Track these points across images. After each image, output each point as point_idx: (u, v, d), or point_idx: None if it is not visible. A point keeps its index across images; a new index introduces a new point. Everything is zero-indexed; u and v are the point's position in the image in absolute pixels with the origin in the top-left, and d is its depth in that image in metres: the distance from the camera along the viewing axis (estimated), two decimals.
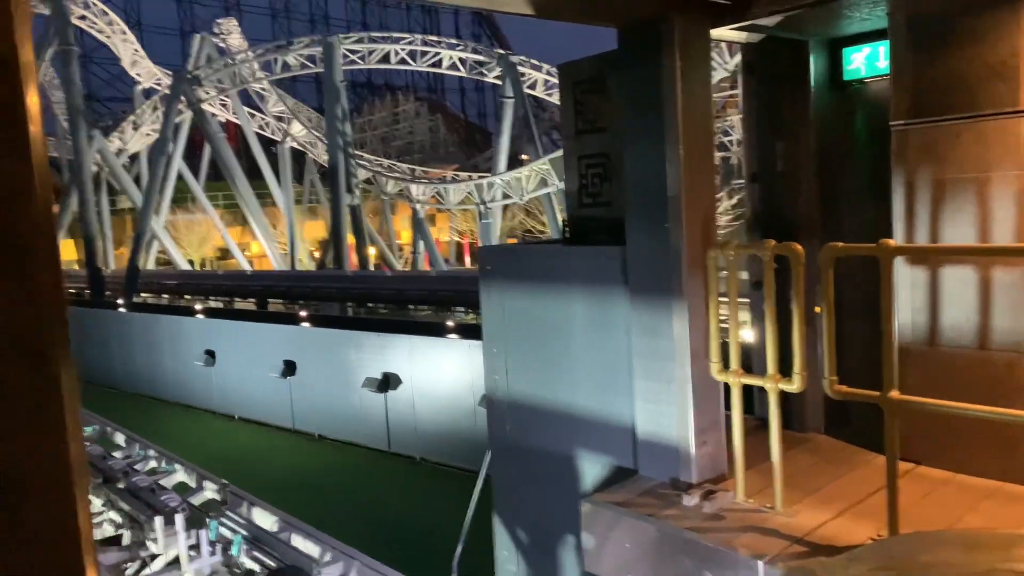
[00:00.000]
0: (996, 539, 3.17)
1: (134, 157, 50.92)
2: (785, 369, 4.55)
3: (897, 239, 5.03)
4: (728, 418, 5.02)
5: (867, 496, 4.77)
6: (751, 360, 6.18)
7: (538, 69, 42.35)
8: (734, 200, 30.84)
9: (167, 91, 41.99)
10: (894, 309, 4.07)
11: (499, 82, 40.97)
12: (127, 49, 50.59)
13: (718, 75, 27.74)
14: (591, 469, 5.70)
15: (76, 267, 50.10)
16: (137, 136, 47.22)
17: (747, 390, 4.86)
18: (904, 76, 4.99)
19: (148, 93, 50.77)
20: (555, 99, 40.62)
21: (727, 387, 4.92)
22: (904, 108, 5.00)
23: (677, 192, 4.85)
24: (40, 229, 1.02)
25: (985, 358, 4.80)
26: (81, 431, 1.05)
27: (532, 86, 42.33)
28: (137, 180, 48.13)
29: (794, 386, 4.44)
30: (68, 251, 55.57)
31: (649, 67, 4.93)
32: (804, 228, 5.89)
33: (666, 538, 4.54)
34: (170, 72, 47.23)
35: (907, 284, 5.08)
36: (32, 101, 1.04)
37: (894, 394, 3.89)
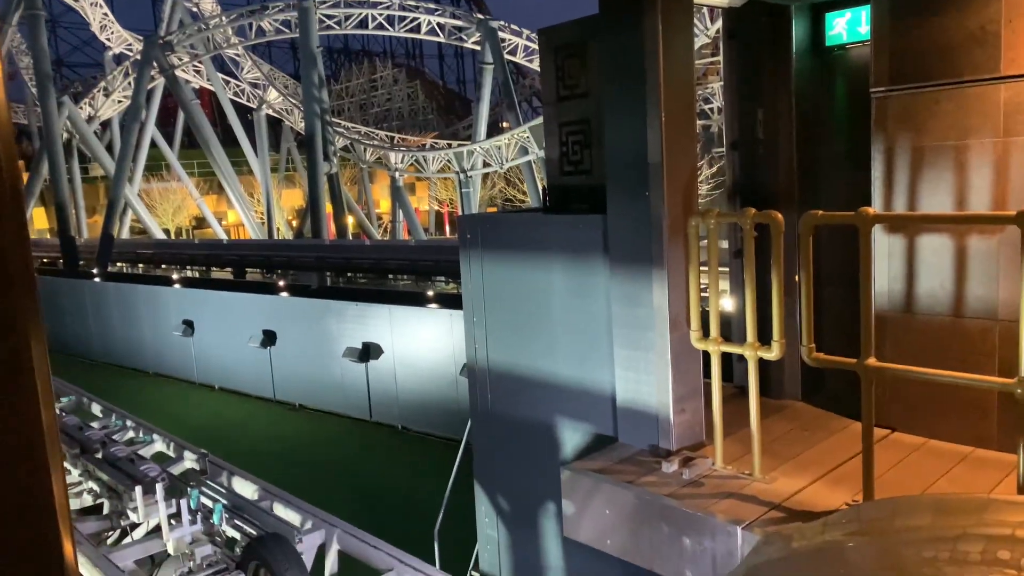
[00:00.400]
0: (967, 503, 3.23)
1: (106, 124, 49.89)
2: (764, 337, 4.58)
3: (876, 207, 5.05)
4: (707, 386, 5.07)
5: (843, 462, 4.85)
6: (729, 328, 6.23)
7: (518, 35, 41.87)
8: (714, 169, 30.88)
9: (138, 57, 41.05)
10: (872, 277, 4.11)
11: (478, 48, 40.47)
12: (96, 13, 49.29)
13: (699, 42, 27.62)
14: (571, 437, 5.74)
15: (48, 236, 49.30)
16: (108, 103, 46.22)
17: (725, 358, 4.89)
18: (884, 42, 4.98)
19: (119, 59, 49.62)
20: (535, 65, 40.23)
21: (706, 355, 4.96)
22: (884, 74, 4.99)
23: (658, 159, 4.83)
24: (6, 197, 0.99)
25: (959, 325, 4.86)
26: (52, 399, 1.03)
27: (512, 52, 41.88)
28: (109, 148, 47.23)
29: (773, 354, 4.47)
30: (40, 219, 54.61)
31: (631, 32, 4.88)
32: (784, 196, 5.90)
33: (645, 505, 4.59)
34: (141, 37, 46.13)
35: (884, 252, 5.12)
36: None
37: (871, 361, 3.94)
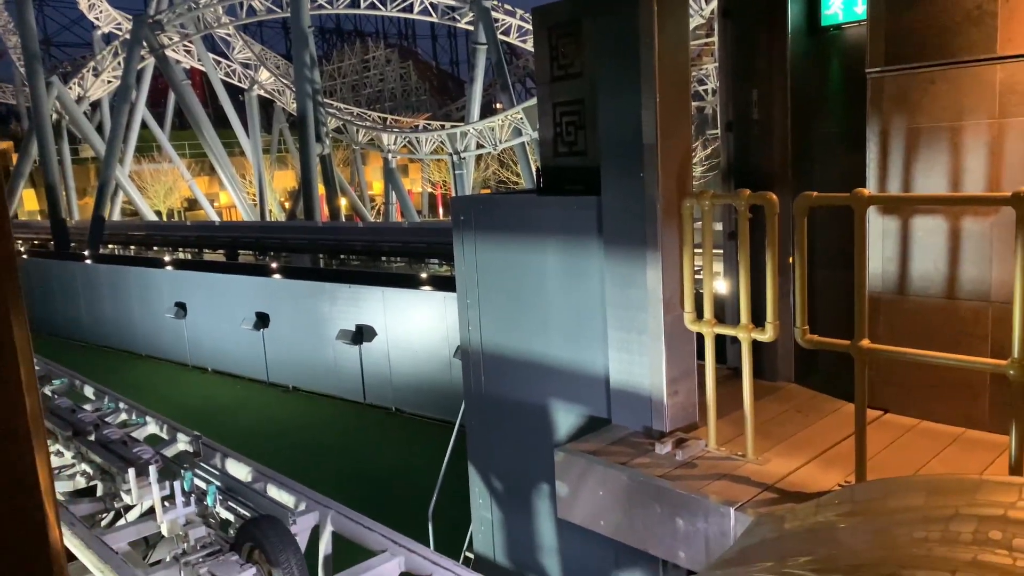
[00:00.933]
0: (959, 484, 3.25)
1: (95, 105, 49.45)
2: (757, 319, 4.58)
3: (871, 188, 5.04)
4: (700, 368, 5.07)
5: (836, 443, 4.87)
6: (723, 310, 6.23)
7: (512, 14, 41.59)
8: (708, 151, 30.82)
9: (127, 36, 40.60)
10: (866, 259, 4.10)
11: (472, 28, 40.17)
12: None
13: (694, 22, 27.48)
14: (565, 419, 5.74)
15: (39, 218, 48.97)
16: (98, 83, 45.78)
17: (719, 340, 4.89)
18: (881, 22, 4.94)
19: (108, 38, 49.09)
20: (529, 46, 39.99)
21: (699, 337, 4.96)
22: (880, 55, 4.96)
23: (653, 140, 4.80)
24: None
25: (953, 307, 4.87)
26: (35, 383, 1.00)
27: (506, 32, 41.62)
28: (99, 129, 46.81)
29: (767, 336, 4.47)
30: (30, 201, 54.20)
31: (626, 10, 4.83)
32: (778, 177, 5.88)
33: (638, 486, 4.61)
34: (130, 16, 45.60)
35: (879, 234, 5.12)
36: None
37: (864, 343, 3.94)
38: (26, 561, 1.00)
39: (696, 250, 4.93)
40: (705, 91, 36.74)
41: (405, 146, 40.73)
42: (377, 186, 56.60)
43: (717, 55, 6.49)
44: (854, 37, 5.74)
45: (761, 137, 5.99)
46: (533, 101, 32.16)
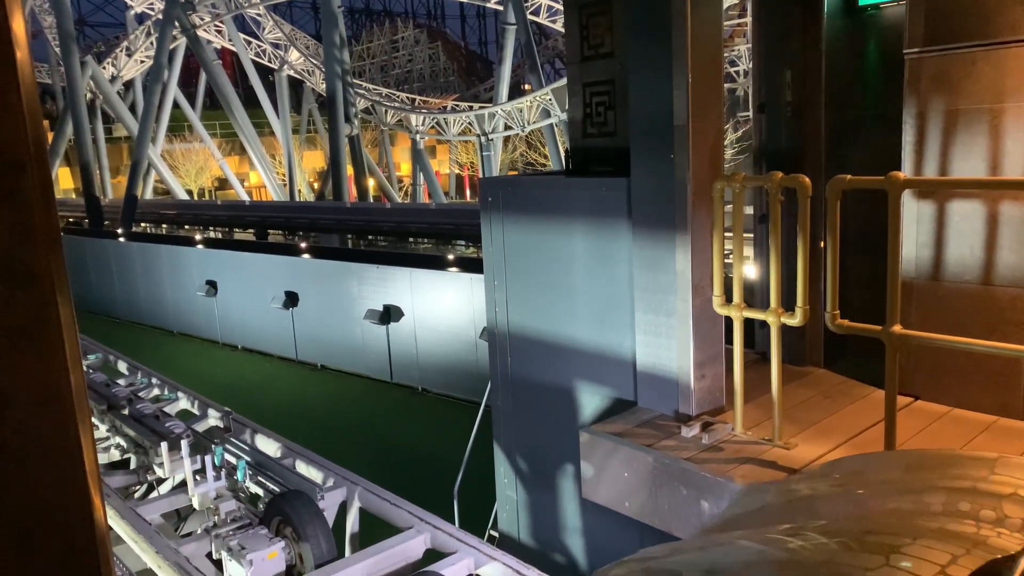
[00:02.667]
0: (935, 459, 3.33)
1: (128, 85, 49.98)
2: (787, 303, 4.54)
3: (906, 171, 4.95)
4: (728, 352, 5.04)
5: (864, 429, 4.83)
6: (752, 295, 6.18)
7: None
8: (739, 133, 30.42)
9: (160, 16, 40.91)
10: (900, 243, 4.03)
11: (501, 8, 39.90)
12: None
13: (727, 2, 27.03)
14: (590, 401, 5.75)
15: (73, 196, 49.73)
16: (131, 63, 46.25)
17: (747, 324, 4.86)
18: (920, 1, 4.83)
19: (141, 18, 49.50)
20: (559, 26, 39.63)
21: (727, 321, 4.93)
22: (919, 35, 4.85)
23: (684, 121, 4.75)
24: (30, 148, 0.98)
25: (988, 294, 4.78)
26: (79, 352, 1.03)
27: (535, 12, 41.28)
28: (132, 108, 47.36)
29: (796, 320, 4.43)
30: (65, 179, 55.07)
31: None
32: (811, 160, 5.80)
33: (664, 468, 4.61)
34: None
35: (913, 218, 5.03)
36: (16, 18, 0.99)
37: (896, 328, 3.89)
38: (71, 529, 1.03)
39: (726, 233, 4.88)
40: (737, 73, 36.23)
41: (433, 127, 40.70)
42: (405, 167, 56.67)
43: (750, 35, 6.39)
44: (892, 17, 5.62)
45: (794, 119, 5.90)
46: (562, 82, 31.91)
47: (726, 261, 4.92)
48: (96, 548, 1.06)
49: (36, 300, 0.98)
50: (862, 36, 5.87)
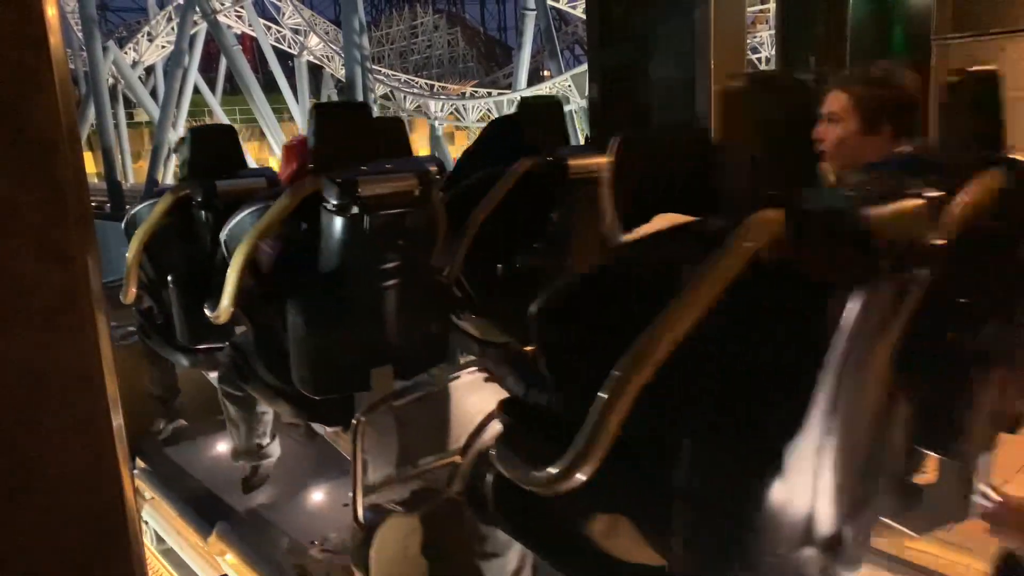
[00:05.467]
0: None
1: (150, 70, 50.28)
2: None
3: None
4: None
5: None
6: None
7: None
8: None
9: (181, 1, 41.09)
10: None
11: None
12: None
13: None
14: None
15: (96, 180, 50.19)
16: (152, 48, 46.53)
17: None
18: None
19: (162, 3, 49.72)
20: (579, 11, 39.34)
21: None
22: (947, 20, 4.78)
23: (706, 109, 4.72)
24: (63, 129, 0.99)
25: None
26: (109, 330, 1.04)
27: None
28: (153, 93, 47.67)
29: None
30: (88, 163, 55.59)
31: None
32: None
33: None
34: None
35: None
36: (51, 2, 1.00)
37: None
38: (102, 505, 1.04)
39: None
40: (759, 59, 35.85)
41: (452, 113, 40.66)
42: (423, 153, 56.70)
43: (773, 21, 6.32)
44: (919, 2, 5.52)
45: (818, 106, 5.82)
46: (581, 68, 31.75)
47: None
48: (126, 525, 1.08)
49: (68, 280, 0.99)
50: (888, 21, 5.78)
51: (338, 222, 3.08)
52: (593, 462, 1.68)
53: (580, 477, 1.70)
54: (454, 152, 55.62)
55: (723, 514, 1.76)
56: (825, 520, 1.83)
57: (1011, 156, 2.26)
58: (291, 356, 3.24)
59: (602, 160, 3.10)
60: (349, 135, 3.39)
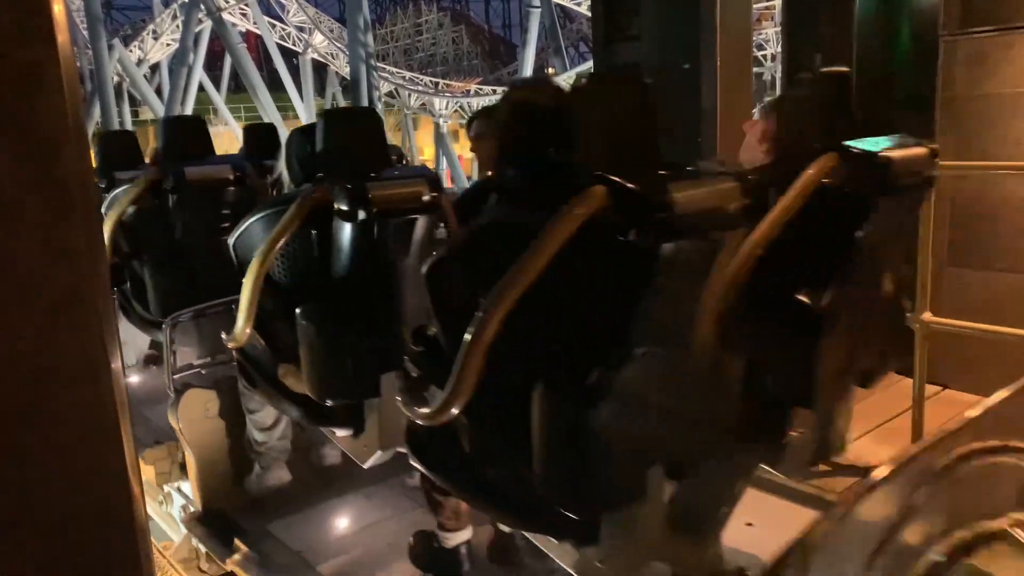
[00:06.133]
0: None
1: (155, 67, 50.34)
2: None
3: (940, 156, 4.85)
4: None
5: (892, 418, 4.77)
6: None
7: None
8: None
9: None
10: (931, 228, 3.97)
11: None
12: None
13: None
14: None
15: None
16: (157, 46, 46.58)
17: None
18: None
19: (167, 1, 49.79)
20: (583, 8, 39.28)
21: None
22: (955, 16, 4.75)
23: (712, 105, 4.71)
24: (69, 125, 0.99)
25: (1021, 282, 4.70)
26: (115, 326, 1.04)
27: None
28: (158, 91, 47.74)
29: None
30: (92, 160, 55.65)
31: None
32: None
33: None
34: None
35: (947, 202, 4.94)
36: (58, 0, 1.00)
37: (926, 316, 3.83)
38: (108, 500, 1.04)
39: None
40: (764, 56, 35.76)
41: (456, 111, 40.64)
42: (428, 151, 56.67)
43: (779, 18, 6.30)
44: None
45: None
46: (587, 65, 31.67)
47: None
48: (133, 523, 1.08)
49: (75, 277, 0.99)
50: (895, 17, 5.75)
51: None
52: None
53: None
54: (459, 150, 55.62)
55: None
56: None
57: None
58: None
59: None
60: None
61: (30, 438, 0.96)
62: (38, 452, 0.97)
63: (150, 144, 6.79)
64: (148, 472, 4.67)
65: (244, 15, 45.23)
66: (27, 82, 0.93)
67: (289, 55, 48.12)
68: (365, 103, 33.39)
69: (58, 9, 0.94)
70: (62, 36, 0.97)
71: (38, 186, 0.94)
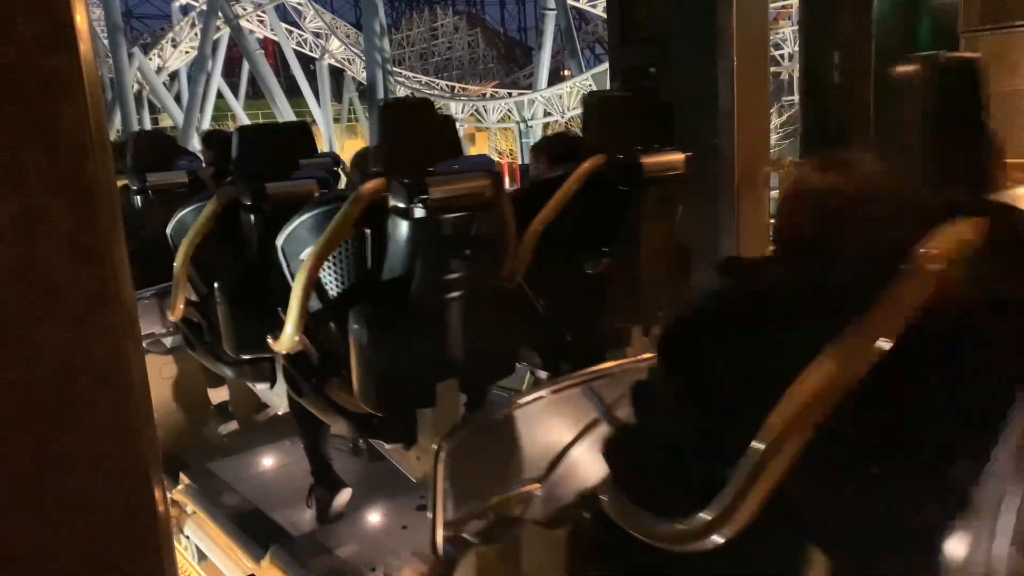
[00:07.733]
0: None
1: (174, 75, 50.85)
2: None
3: None
4: None
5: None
6: None
7: None
8: (784, 118, 29.86)
9: (204, 7, 41.54)
10: None
11: None
12: None
13: None
14: None
15: None
16: (176, 54, 47.05)
17: None
18: None
19: (185, 9, 50.29)
20: (599, 11, 39.22)
21: None
22: (976, 12, 4.70)
23: (730, 106, 4.68)
24: (92, 132, 1.00)
25: None
26: (138, 330, 1.05)
27: None
28: (177, 98, 48.22)
29: None
30: None
31: None
32: (861, 144, 5.67)
33: None
34: None
35: None
36: (80, 10, 1.01)
37: None
38: (133, 498, 1.05)
39: (771, 220, 4.81)
40: (781, 56, 35.51)
41: (472, 115, 40.71)
42: None
43: (797, 17, 6.26)
44: None
45: (842, 102, 5.76)
46: (602, 67, 31.62)
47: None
48: (156, 524, 1.09)
49: (99, 282, 1.00)
50: (914, 14, 5.70)
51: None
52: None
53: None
54: (475, 152, 55.64)
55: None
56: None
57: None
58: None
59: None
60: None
61: (59, 438, 0.97)
62: (66, 451, 0.99)
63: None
64: None
65: (262, 22, 45.60)
66: (52, 90, 0.94)
67: (306, 61, 48.43)
68: None
69: (80, 18, 0.96)
70: (84, 45, 0.99)
71: (63, 191, 0.95)
